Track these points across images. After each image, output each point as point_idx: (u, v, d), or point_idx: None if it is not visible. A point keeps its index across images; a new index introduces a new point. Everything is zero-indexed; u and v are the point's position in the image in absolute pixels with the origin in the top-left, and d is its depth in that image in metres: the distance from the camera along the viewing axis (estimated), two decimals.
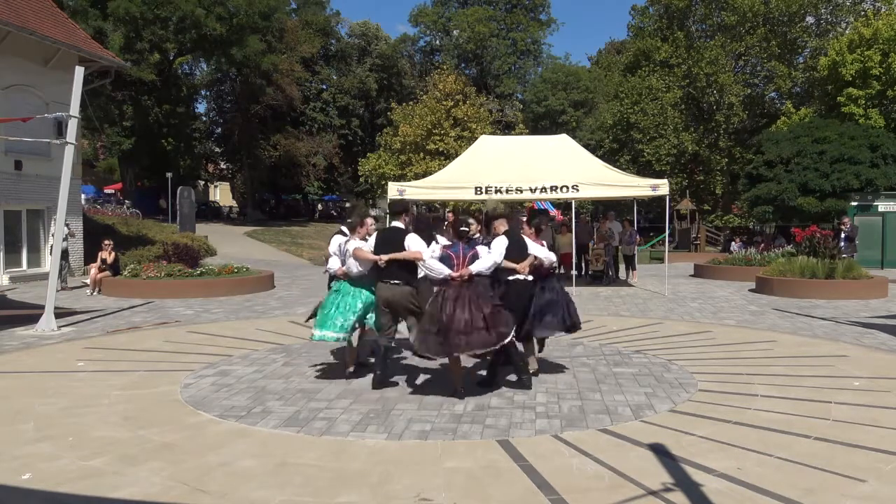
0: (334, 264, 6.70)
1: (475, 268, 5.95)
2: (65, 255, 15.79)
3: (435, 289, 6.10)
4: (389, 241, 6.22)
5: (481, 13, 52.16)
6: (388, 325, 6.32)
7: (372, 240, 6.44)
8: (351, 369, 6.71)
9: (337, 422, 5.27)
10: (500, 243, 6.22)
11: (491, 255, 6.08)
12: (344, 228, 6.99)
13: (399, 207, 6.47)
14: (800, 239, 15.01)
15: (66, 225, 15.96)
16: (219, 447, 4.70)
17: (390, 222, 6.48)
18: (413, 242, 6.11)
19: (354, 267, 6.39)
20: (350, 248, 6.42)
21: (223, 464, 4.38)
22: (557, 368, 7.11)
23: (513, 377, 6.46)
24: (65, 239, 15.58)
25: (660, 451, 4.55)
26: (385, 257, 6.11)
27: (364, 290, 6.48)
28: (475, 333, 5.75)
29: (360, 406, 5.71)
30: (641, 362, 7.43)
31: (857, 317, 10.82)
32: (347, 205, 56.12)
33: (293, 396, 6.03)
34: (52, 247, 15.71)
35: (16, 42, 16.37)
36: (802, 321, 10.45)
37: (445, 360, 6.18)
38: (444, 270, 5.92)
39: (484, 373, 6.55)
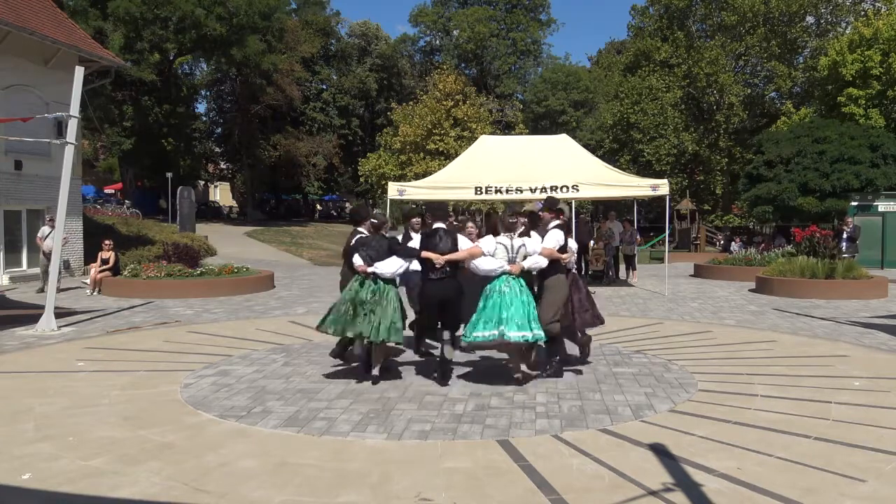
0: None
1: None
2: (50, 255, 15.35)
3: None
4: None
5: (481, 13, 52.18)
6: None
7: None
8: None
9: (337, 422, 5.27)
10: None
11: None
12: (361, 229, 6.96)
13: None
14: (800, 239, 15.01)
15: (51, 223, 15.79)
16: (219, 447, 4.70)
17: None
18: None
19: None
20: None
21: (223, 464, 4.38)
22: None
23: (504, 376, 6.48)
24: (48, 237, 15.33)
25: (660, 451, 4.55)
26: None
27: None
28: (584, 313, 6.76)
29: (360, 406, 5.71)
30: (641, 362, 7.43)
31: (857, 317, 10.82)
32: (348, 205, 56.18)
33: (293, 396, 6.03)
34: (42, 250, 15.56)
35: (16, 42, 16.36)
36: (802, 321, 10.45)
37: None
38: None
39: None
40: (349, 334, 6.39)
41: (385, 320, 6.20)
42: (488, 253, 6.22)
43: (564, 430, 5.02)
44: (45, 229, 15.62)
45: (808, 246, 14.60)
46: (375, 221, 6.79)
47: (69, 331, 9.73)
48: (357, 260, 6.46)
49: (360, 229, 6.97)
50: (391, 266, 6.32)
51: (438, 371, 6.50)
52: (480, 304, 6.18)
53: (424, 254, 6.27)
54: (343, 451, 4.62)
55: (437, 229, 6.43)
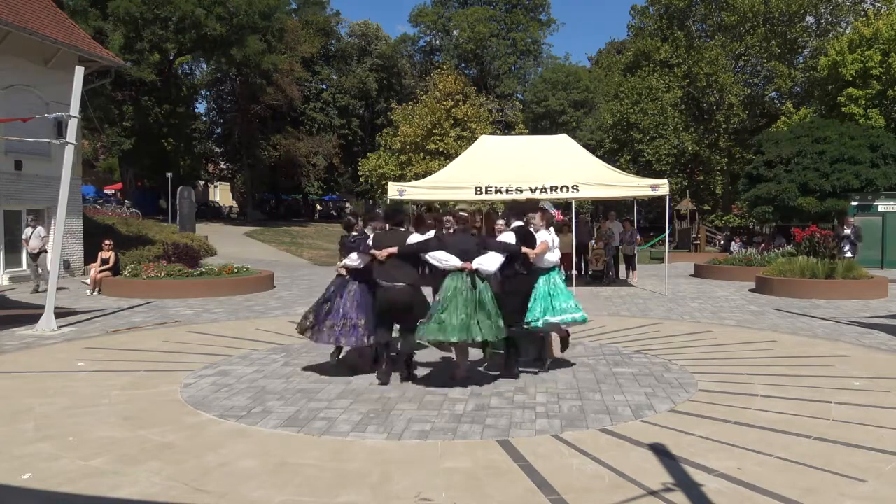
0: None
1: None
2: (37, 256, 15.07)
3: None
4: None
5: (481, 13, 52.16)
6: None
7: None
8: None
9: (337, 422, 5.27)
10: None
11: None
12: (402, 228, 6.91)
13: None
14: (800, 239, 15.01)
15: (33, 223, 15.68)
16: (219, 447, 4.70)
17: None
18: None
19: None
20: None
21: (223, 464, 4.38)
22: (557, 368, 7.11)
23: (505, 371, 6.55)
24: (32, 237, 15.18)
25: (660, 451, 4.55)
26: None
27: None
28: None
29: (360, 406, 5.71)
30: (641, 362, 7.43)
31: (857, 317, 10.82)
32: (348, 205, 56.11)
33: (293, 396, 6.03)
34: (28, 251, 15.52)
35: (16, 42, 16.36)
36: (802, 321, 10.45)
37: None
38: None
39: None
40: (471, 338, 6.06)
41: (493, 319, 6.13)
42: (551, 248, 6.82)
43: (564, 430, 5.02)
44: (27, 230, 15.54)
45: (808, 246, 14.60)
46: (465, 214, 6.88)
47: (69, 331, 9.73)
48: (453, 260, 6.19)
49: (401, 228, 6.89)
50: (494, 262, 6.32)
51: (507, 362, 6.71)
52: (543, 293, 6.66)
53: (525, 249, 6.50)
54: (343, 451, 4.62)
55: (520, 226, 6.66)
